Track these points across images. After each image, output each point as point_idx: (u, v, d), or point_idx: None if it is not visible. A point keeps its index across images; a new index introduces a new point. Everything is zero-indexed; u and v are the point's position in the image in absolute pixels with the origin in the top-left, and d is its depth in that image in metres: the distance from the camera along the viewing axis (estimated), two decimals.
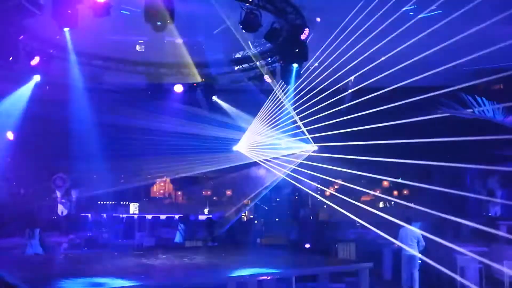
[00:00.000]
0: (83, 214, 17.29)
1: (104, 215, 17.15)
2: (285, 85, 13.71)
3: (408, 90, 14.43)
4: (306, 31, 10.67)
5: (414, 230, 11.18)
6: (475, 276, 10.98)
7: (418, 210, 17.42)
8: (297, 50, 11.43)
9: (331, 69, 13.80)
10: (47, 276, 8.09)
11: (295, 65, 12.30)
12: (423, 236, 11.21)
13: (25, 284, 7.08)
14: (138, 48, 13.49)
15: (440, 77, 13.39)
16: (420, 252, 11.11)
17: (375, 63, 12.74)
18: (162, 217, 18.40)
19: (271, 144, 17.42)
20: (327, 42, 10.89)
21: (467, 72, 12.80)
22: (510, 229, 13.02)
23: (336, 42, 10.98)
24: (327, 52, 11.42)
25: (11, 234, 12.87)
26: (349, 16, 10.50)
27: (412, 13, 10.30)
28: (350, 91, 15.06)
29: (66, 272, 8.52)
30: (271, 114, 15.90)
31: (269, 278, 8.98)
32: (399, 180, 19.24)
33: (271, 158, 17.01)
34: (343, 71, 12.55)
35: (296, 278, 9.64)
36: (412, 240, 11.02)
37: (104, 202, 19.19)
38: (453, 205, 16.18)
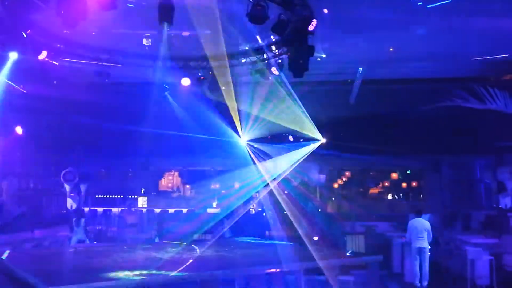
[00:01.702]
0: (92, 208, 17.38)
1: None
2: (293, 77, 13.62)
3: (419, 80, 14.35)
4: (314, 22, 10.53)
5: (424, 222, 11.12)
6: (485, 268, 10.90)
7: (427, 202, 17.44)
8: (304, 42, 11.30)
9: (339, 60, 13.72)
10: (58, 270, 8.13)
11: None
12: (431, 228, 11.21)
13: (36, 278, 7.12)
14: (145, 42, 13.44)
15: (451, 68, 13.33)
16: (429, 244, 11.08)
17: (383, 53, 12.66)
18: (171, 210, 18.45)
19: (278, 137, 17.40)
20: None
21: (478, 63, 12.65)
22: None
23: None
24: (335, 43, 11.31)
25: (20, 229, 12.99)
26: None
27: (421, 3, 10.17)
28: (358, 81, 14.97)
29: (76, 265, 8.55)
30: (278, 107, 15.85)
31: (277, 270, 8.97)
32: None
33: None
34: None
35: (305, 271, 9.62)
36: (422, 232, 10.97)
37: (113, 196, 19.28)
38: (463, 197, 16.13)
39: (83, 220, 13.75)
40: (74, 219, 13.74)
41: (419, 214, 11.31)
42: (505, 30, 10.55)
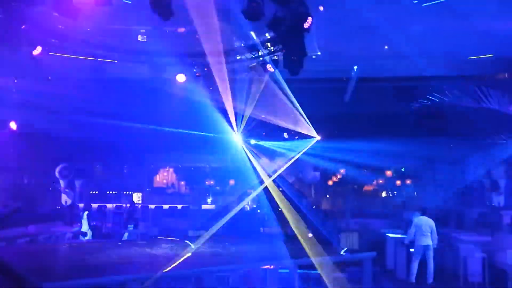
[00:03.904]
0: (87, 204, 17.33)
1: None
2: (288, 74, 13.66)
3: (413, 79, 14.43)
4: (309, 19, 10.55)
5: (429, 220, 11.33)
6: (478, 265, 11.00)
7: (420, 200, 17.49)
8: (299, 39, 11.32)
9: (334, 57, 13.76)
10: (53, 266, 8.13)
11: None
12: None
13: (31, 273, 7.12)
14: (140, 38, 13.42)
15: (445, 66, 13.38)
16: (435, 245, 11.22)
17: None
18: (165, 207, 18.45)
19: (273, 135, 17.43)
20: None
21: (472, 61, 12.72)
22: None
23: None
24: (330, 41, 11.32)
25: (14, 224, 12.96)
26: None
27: (416, 1, 10.22)
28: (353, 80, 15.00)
29: (70, 261, 8.55)
30: (274, 104, 15.86)
31: (272, 267, 9.01)
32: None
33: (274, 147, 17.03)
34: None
35: (299, 267, 9.66)
36: (427, 230, 11.16)
37: (109, 192, 19.26)
38: (456, 195, 16.22)
39: (86, 213, 14.15)
40: (81, 213, 14.18)
41: (423, 213, 11.52)
42: (499, 29, 10.62)
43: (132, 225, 14.95)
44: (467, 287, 10.95)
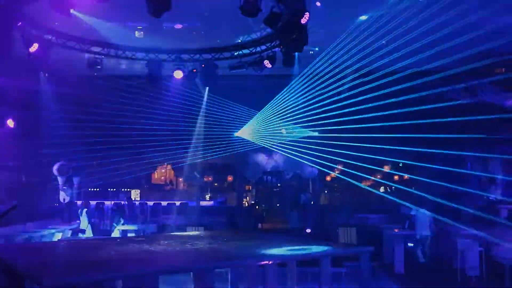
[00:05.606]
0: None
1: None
2: (285, 70, 13.67)
3: (411, 73, 14.45)
4: (306, 15, 10.55)
5: (426, 213, 12.33)
6: (475, 259, 11.06)
7: (418, 195, 17.55)
8: (297, 35, 11.32)
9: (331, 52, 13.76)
10: (50, 263, 8.14)
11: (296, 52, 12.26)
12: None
13: (30, 270, 7.13)
14: (137, 34, 13.41)
15: (442, 61, 13.40)
16: (433, 234, 11.78)
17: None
18: (164, 203, 18.49)
19: (272, 130, 17.47)
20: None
21: (470, 56, 12.72)
22: (511, 213, 13.10)
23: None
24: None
25: (12, 222, 12.96)
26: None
27: None
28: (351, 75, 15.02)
29: (69, 258, 8.56)
30: (272, 100, 15.89)
31: (270, 262, 9.02)
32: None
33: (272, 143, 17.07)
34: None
35: (297, 263, 9.68)
36: (425, 221, 12.18)
37: (100, 188, 19.28)
38: (454, 189, 16.27)
39: (85, 210, 14.20)
40: (79, 210, 14.27)
41: (420, 206, 12.18)
42: (498, 24, 10.63)
43: (122, 222, 14.97)
44: (465, 281, 10.99)
